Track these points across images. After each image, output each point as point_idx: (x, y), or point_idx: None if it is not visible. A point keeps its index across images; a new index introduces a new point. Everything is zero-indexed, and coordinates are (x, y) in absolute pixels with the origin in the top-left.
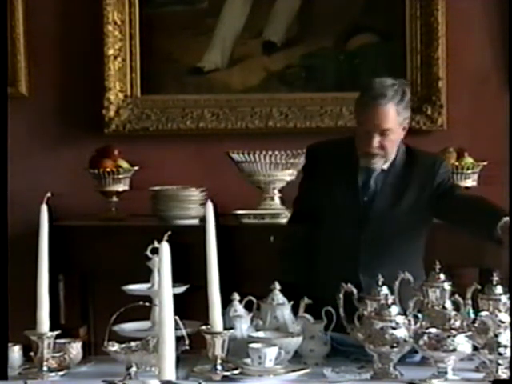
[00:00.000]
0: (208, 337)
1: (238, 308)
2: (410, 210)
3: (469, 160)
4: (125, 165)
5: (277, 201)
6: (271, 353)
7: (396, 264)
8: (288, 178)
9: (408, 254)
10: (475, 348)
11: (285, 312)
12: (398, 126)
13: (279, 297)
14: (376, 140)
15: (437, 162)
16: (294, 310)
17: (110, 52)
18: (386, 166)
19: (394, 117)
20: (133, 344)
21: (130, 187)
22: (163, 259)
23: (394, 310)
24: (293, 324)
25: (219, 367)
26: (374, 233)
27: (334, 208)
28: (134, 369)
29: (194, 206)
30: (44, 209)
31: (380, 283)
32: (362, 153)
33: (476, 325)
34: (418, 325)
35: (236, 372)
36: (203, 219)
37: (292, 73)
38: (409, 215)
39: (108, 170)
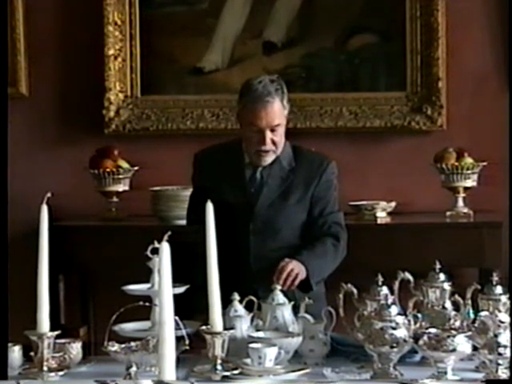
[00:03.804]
0: (208, 337)
1: (238, 308)
2: (296, 201)
3: (469, 160)
4: (125, 165)
5: None
6: (271, 353)
7: (285, 248)
8: None
9: (294, 238)
10: (475, 348)
11: (285, 312)
12: (285, 120)
13: (279, 297)
14: (268, 137)
15: (325, 162)
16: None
17: (111, 52)
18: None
19: (282, 112)
20: (133, 344)
21: (130, 187)
22: (163, 259)
23: (394, 310)
24: (293, 324)
25: (219, 367)
26: (262, 222)
27: (225, 204)
28: (134, 369)
29: None
30: (44, 209)
31: (380, 283)
32: (255, 152)
33: (476, 325)
34: (418, 325)
35: (236, 372)
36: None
37: (292, 73)
38: (295, 205)
39: (108, 170)
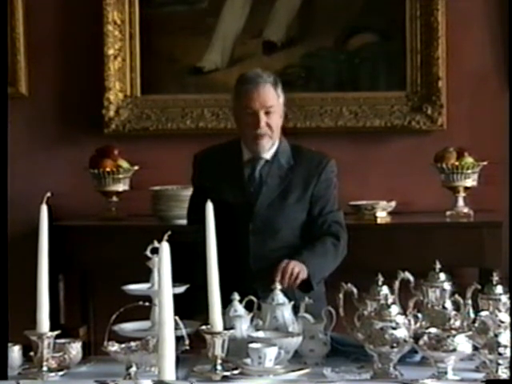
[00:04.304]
0: (208, 337)
1: (238, 308)
2: (295, 200)
3: (469, 160)
4: (125, 165)
5: None
6: (271, 353)
7: (284, 248)
8: None
9: (294, 237)
10: (475, 348)
11: (285, 312)
12: (279, 108)
13: (279, 297)
14: (263, 119)
15: (324, 160)
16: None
17: (110, 52)
18: (269, 157)
19: (274, 95)
20: (133, 344)
21: (130, 187)
22: (163, 259)
23: (394, 309)
24: (293, 324)
25: (219, 367)
26: (262, 221)
27: (225, 204)
28: (133, 369)
29: None
30: (44, 209)
31: (380, 283)
32: (251, 138)
33: (476, 325)
34: (418, 325)
35: (236, 372)
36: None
37: (292, 73)
38: (294, 205)
39: (108, 169)
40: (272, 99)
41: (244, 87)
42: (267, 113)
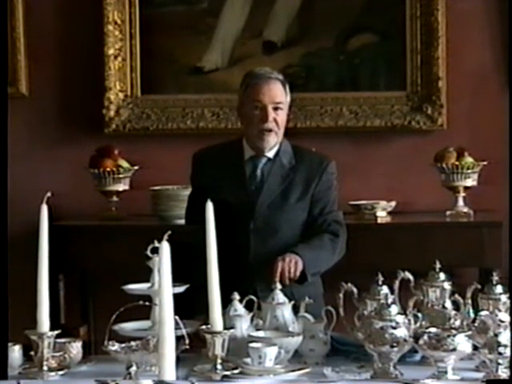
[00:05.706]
0: (208, 336)
1: (238, 307)
2: (296, 200)
3: (469, 160)
4: (125, 164)
5: None
6: (271, 352)
7: (284, 248)
8: None
9: (294, 237)
10: (475, 347)
11: (285, 311)
12: (286, 106)
13: (279, 296)
14: (271, 114)
15: (324, 162)
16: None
17: (111, 52)
18: (271, 155)
19: (283, 93)
20: (133, 343)
21: (130, 187)
22: (163, 259)
23: (394, 309)
24: (293, 323)
25: (219, 367)
26: (262, 220)
27: (225, 203)
28: (134, 368)
29: None
30: (44, 209)
31: (380, 282)
32: (257, 132)
33: (476, 324)
34: (418, 324)
35: (236, 371)
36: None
37: (292, 73)
38: (295, 204)
39: (108, 169)
40: (281, 96)
41: (254, 81)
42: (275, 109)
